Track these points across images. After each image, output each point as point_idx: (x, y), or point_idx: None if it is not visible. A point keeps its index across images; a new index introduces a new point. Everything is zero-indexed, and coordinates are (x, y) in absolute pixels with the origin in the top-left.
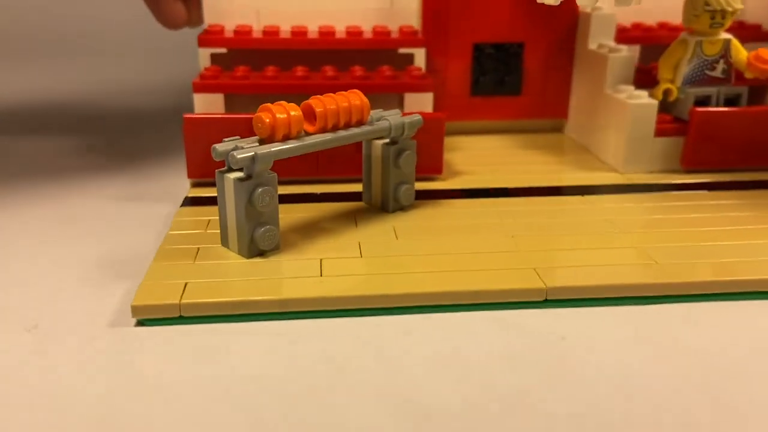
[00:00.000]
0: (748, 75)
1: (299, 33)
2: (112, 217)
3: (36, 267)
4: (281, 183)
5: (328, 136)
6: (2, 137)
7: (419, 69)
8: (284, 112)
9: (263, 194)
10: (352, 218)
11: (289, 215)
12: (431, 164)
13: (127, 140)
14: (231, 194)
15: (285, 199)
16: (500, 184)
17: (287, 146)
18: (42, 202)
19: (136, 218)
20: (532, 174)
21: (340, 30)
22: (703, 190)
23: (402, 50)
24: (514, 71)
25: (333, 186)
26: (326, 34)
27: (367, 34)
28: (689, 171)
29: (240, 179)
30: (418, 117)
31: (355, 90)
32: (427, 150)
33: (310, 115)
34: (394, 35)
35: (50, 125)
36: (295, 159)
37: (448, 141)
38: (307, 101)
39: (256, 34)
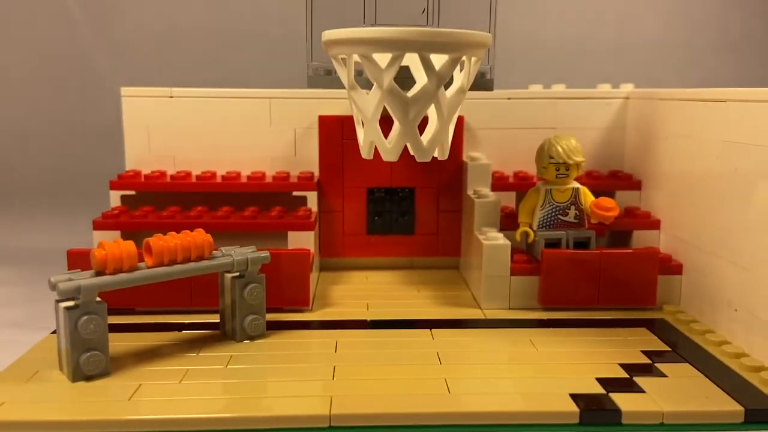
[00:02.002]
0: (593, 220)
1: (204, 177)
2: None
3: None
4: (152, 313)
5: (162, 270)
6: None
7: (308, 210)
8: (117, 247)
9: (88, 322)
10: (199, 347)
11: (139, 343)
12: (298, 297)
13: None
14: (62, 320)
15: (147, 327)
16: (360, 317)
17: (114, 279)
18: None
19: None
20: (400, 308)
21: (245, 174)
22: (541, 327)
23: (296, 193)
24: (406, 213)
25: (203, 316)
26: (228, 178)
27: (268, 179)
28: (547, 309)
29: (68, 308)
30: (265, 254)
31: (199, 229)
32: (293, 283)
33: (149, 250)
34: (292, 180)
35: None
36: (166, 289)
37: (343, 275)
38: (147, 238)
39: (165, 178)
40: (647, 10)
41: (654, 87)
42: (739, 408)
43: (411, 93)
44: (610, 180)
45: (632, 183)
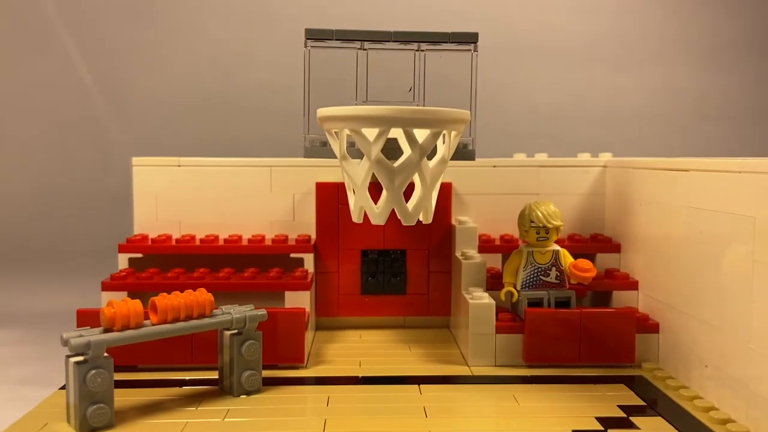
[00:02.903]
0: (572, 281)
1: (207, 241)
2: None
3: None
4: (154, 369)
5: (166, 327)
6: None
7: (305, 271)
8: (125, 306)
9: (95, 375)
10: (198, 401)
11: (142, 398)
12: (293, 354)
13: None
14: (71, 374)
15: (149, 383)
16: (353, 374)
17: (121, 335)
18: None
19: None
20: (390, 365)
21: (246, 238)
22: (524, 383)
23: (293, 255)
24: (398, 274)
25: (203, 372)
26: (230, 241)
27: (267, 241)
28: (531, 366)
29: (78, 362)
30: (262, 312)
31: (201, 289)
32: (289, 341)
33: (154, 308)
34: (290, 242)
35: None
36: (169, 346)
37: (338, 334)
38: (153, 297)
39: (171, 242)
40: (633, 82)
41: (642, 155)
42: None
43: (397, 163)
44: (591, 243)
45: (612, 246)
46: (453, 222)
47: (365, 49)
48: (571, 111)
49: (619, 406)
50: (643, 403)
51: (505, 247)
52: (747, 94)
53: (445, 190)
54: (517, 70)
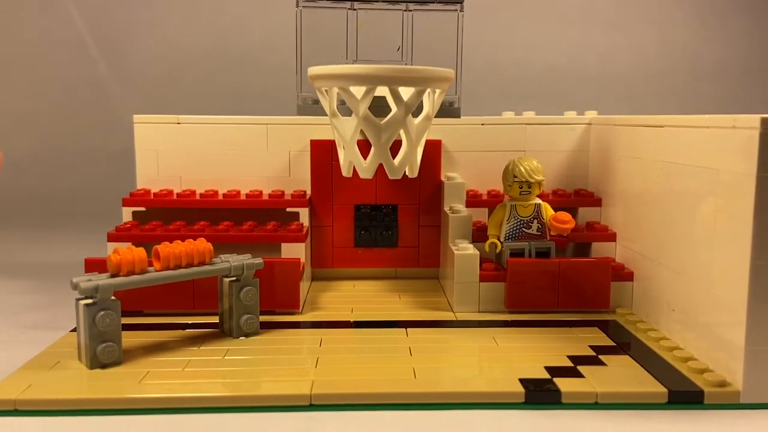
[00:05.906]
0: (552, 232)
1: (207, 195)
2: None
3: None
4: (159, 315)
5: (168, 273)
6: None
7: (300, 224)
8: (130, 253)
9: (104, 316)
10: (200, 342)
11: (148, 339)
12: (289, 301)
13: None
14: (81, 316)
15: (155, 327)
16: (345, 318)
17: (126, 280)
18: None
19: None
20: (380, 311)
21: (244, 193)
22: (505, 327)
23: (289, 209)
24: (390, 228)
25: (204, 318)
26: (229, 196)
27: (264, 196)
28: (512, 311)
29: (87, 305)
30: (259, 260)
31: (201, 238)
32: (285, 289)
33: (157, 256)
34: (286, 197)
35: None
36: (172, 293)
37: (332, 284)
38: (156, 246)
39: (172, 196)
40: (628, 41)
41: (636, 114)
42: (663, 390)
43: (384, 120)
44: (574, 198)
45: (593, 200)
46: (442, 178)
47: (355, 9)
48: (567, 70)
49: (590, 347)
50: (614, 344)
51: (492, 201)
52: (741, 53)
53: (435, 147)
54: (512, 29)
